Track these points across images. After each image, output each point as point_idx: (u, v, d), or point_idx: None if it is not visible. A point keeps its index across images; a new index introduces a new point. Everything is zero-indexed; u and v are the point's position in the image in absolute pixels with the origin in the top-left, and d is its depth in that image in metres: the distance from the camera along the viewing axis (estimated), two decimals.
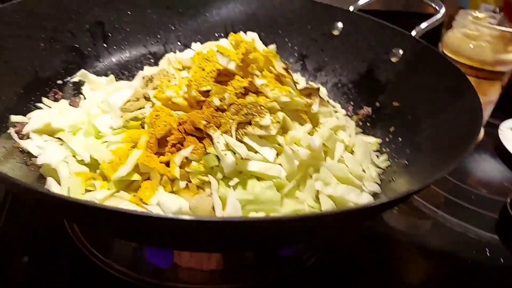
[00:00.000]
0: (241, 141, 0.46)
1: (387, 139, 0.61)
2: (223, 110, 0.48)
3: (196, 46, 0.70)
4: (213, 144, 0.46)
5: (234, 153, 0.45)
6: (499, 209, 0.67)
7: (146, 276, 0.50)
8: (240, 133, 0.46)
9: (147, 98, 0.52)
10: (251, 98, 0.50)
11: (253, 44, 0.54)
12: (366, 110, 0.67)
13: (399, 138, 0.59)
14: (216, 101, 0.48)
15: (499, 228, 0.64)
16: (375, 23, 0.70)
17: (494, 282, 0.56)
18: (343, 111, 0.68)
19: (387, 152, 0.59)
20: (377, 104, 0.67)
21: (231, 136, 0.46)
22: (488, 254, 0.60)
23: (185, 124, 0.47)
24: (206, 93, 0.50)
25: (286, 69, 0.56)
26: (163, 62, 0.61)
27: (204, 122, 0.46)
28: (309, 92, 0.57)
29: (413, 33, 0.67)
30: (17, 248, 0.52)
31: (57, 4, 0.64)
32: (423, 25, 0.68)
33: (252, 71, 0.52)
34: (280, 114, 0.48)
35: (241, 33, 0.57)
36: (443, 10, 0.69)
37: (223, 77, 0.52)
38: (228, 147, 0.45)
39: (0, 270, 0.49)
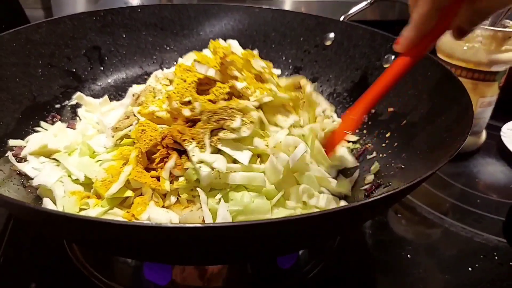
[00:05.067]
0: (216, 148, 0.46)
1: (383, 145, 0.60)
2: (196, 121, 0.48)
3: (182, 60, 0.71)
4: (188, 157, 0.46)
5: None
6: (506, 211, 0.65)
7: None
8: (214, 140, 0.47)
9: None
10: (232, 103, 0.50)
11: (229, 48, 0.55)
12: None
13: (395, 143, 0.59)
14: (186, 112, 0.48)
15: (507, 231, 0.63)
16: (365, 31, 0.71)
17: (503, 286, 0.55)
18: (339, 120, 0.68)
19: (384, 158, 0.58)
20: (373, 110, 0.66)
21: (205, 144, 0.46)
22: (496, 258, 0.59)
23: (167, 138, 0.47)
24: (189, 104, 0.50)
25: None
26: (151, 79, 0.62)
27: (180, 135, 0.46)
28: (297, 85, 0.57)
29: None
30: (19, 275, 0.52)
31: (53, 31, 0.66)
32: None
33: (231, 73, 0.52)
34: (254, 114, 0.48)
35: (220, 40, 0.58)
36: None
37: (204, 86, 0.52)
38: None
39: None
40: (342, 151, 0.59)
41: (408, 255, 0.58)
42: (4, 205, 0.34)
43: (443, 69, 0.58)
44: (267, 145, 0.47)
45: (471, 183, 0.74)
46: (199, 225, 0.27)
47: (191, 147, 0.45)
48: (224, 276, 0.51)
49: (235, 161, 0.47)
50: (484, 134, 0.82)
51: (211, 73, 0.50)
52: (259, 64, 0.53)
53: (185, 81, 0.51)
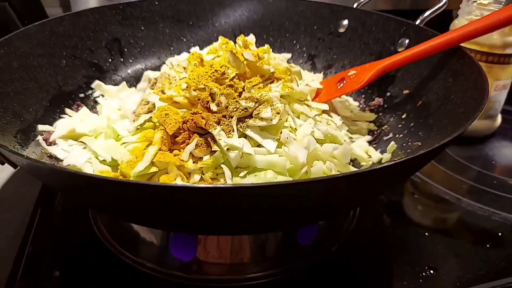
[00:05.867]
0: (244, 134, 0.48)
1: (399, 126, 0.61)
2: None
3: (195, 49, 0.72)
4: (215, 141, 0.47)
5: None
6: None
7: (172, 270, 0.52)
8: (242, 127, 0.48)
9: None
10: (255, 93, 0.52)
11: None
12: (378, 101, 0.68)
13: (411, 123, 0.60)
14: (214, 107, 0.50)
15: None
16: (379, 17, 0.72)
17: None
18: (356, 103, 0.69)
19: (400, 138, 0.59)
20: (388, 94, 0.67)
21: (233, 130, 0.47)
22: None
23: (188, 122, 0.49)
24: (204, 90, 0.52)
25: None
26: (165, 66, 0.64)
27: (204, 121, 0.48)
28: None
29: (417, 22, 0.68)
30: (49, 259, 0.54)
31: (76, 24, 0.68)
32: (426, 13, 0.69)
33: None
34: (280, 105, 0.50)
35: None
36: None
37: (222, 75, 0.54)
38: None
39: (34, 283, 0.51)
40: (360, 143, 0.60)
41: (426, 233, 0.59)
42: (50, 172, 0.35)
43: (457, 49, 0.58)
44: (295, 139, 0.49)
45: (488, 166, 0.75)
46: (229, 185, 0.28)
47: (216, 132, 0.47)
48: (246, 253, 0.53)
49: (259, 145, 0.49)
50: (499, 118, 0.83)
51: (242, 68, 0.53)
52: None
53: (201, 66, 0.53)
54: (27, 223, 0.58)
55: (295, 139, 0.49)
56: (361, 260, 0.55)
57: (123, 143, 0.52)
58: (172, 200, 0.31)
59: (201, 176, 0.47)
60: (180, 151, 0.48)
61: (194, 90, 0.51)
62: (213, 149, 0.47)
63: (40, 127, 0.55)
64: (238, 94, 0.52)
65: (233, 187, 0.30)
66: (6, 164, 0.42)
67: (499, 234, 0.59)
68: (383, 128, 0.63)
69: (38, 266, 0.52)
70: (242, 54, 0.55)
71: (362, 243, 0.58)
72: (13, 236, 0.55)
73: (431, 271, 0.53)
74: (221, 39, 0.59)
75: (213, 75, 0.53)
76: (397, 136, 0.60)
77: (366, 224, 0.60)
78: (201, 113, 0.49)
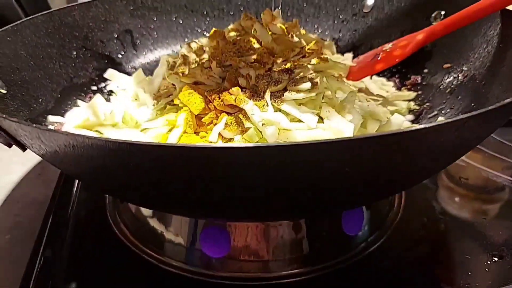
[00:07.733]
0: (279, 110, 0.43)
1: (444, 101, 0.56)
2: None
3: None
4: (248, 118, 0.42)
5: None
6: None
7: (200, 268, 0.46)
8: (277, 101, 0.43)
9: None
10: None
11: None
12: (414, 78, 0.62)
13: (458, 96, 0.54)
14: (243, 82, 0.45)
15: None
16: None
17: None
18: (391, 83, 0.64)
19: (448, 113, 0.53)
20: (426, 70, 0.62)
21: (267, 104, 0.42)
22: None
23: (215, 101, 0.44)
24: (230, 67, 0.47)
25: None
26: (183, 50, 0.59)
27: (233, 97, 0.43)
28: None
29: None
30: (65, 265, 0.49)
31: (85, 15, 0.64)
32: None
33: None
34: (317, 77, 0.44)
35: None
36: None
37: (247, 51, 0.49)
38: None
39: None
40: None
41: (483, 218, 0.53)
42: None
43: (501, 13, 0.53)
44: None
45: None
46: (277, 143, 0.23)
47: (249, 106, 0.42)
48: (282, 248, 0.47)
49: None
50: None
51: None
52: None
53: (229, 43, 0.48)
54: (39, 229, 0.53)
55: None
56: (413, 251, 0.49)
57: (143, 129, 0.47)
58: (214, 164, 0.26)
59: None
60: (207, 132, 0.43)
61: (219, 67, 0.46)
62: (245, 127, 0.41)
63: (51, 118, 0.51)
64: (267, 70, 0.47)
65: (283, 145, 0.24)
66: (14, 165, 0.37)
67: None
68: (424, 106, 0.57)
69: (52, 274, 0.47)
70: (268, 28, 0.50)
71: (412, 233, 0.51)
72: (24, 242, 0.50)
73: (496, 259, 0.47)
74: (243, 15, 0.54)
75: (238, 52, 0.48)
76: (443, 112, 0.54)
77: (412, 214, 0.54)
78: (228, 90, 0.44)
